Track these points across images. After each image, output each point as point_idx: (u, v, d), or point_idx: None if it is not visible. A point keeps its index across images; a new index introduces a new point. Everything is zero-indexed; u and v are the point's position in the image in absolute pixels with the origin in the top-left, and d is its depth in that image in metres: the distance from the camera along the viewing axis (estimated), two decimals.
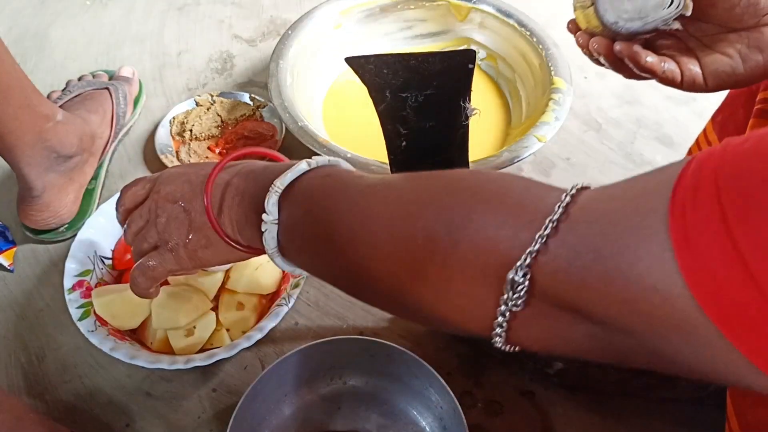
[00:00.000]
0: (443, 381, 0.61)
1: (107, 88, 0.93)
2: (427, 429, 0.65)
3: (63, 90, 0.93)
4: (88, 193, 0.87)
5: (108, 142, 0.90)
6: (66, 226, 0.83)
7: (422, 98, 0.47)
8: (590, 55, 0.54)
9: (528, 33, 0.93)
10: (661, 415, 0.68)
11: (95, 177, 0.88)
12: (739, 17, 0.49)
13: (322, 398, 0.68)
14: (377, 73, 0.47)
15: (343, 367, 0.67)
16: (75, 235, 0.76)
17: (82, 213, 0.85)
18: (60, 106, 0.88)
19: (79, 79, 0.96)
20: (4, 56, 0.72)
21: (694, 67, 0.52)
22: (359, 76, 0.47)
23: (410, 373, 0.64)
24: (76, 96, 0.91)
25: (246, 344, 0.65)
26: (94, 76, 0.97)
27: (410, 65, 0.47)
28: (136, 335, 0.70)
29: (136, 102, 0.98)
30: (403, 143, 0.48)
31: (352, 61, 0.47)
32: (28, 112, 0.75)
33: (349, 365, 0.67)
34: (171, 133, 0.94)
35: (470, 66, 0.47)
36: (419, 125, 0.48)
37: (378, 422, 0.66)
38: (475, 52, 0.48)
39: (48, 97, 0.92)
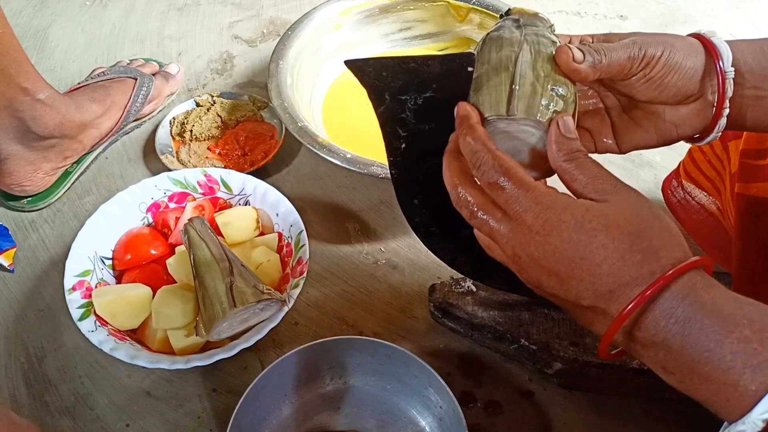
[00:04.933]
0: (443, 381, 0.61)
1: (135, 80, 0.93)
2: (427, 429, 0.65)
3: (111, 66, 0.97)
4: (64, 175, 0.88)
5: (107, 135, 0.91)
6: (28, 199, 0.86)
7: (421, 101, 0.47)
8: None
9: None
10: (661, 415, 0.68)
11: (78, 162, 0.89)
12: (661, 91, 0.47)
13: (321, 398, 0.68)
14: (376, 76, 0.47)
15: (343, 367, 0.68)
16: (36, 210, 0.83)
17: (49, 191, 0.87)
18: (79, 87, 0.91)
19: (130, 62, 0.99)
20: None
21: (607, 141, 0.51)
22: (358, 79, 0.47)
23: (410, 373, 0.64)
24: (100, 80, 0.92)
25: (245, 344, 0.65)
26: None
27: (409, 68, 0.47)
28: (137, 335, 0.71)
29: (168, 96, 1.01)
30: (403, 145, 0.48)
31: (351, 64, 0.47)
32: (0, 79, 0.75)
33: (349, 365, 0.67)
34: (171, 133, 0.95)
35: (469, 69, 0.47)
36: (419, 128, 0.48)
37: (378, 422, 0.66)
38: (474, 55, 0.48)
39: (92, 72, 0.95)
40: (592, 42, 0.49)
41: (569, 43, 0.50)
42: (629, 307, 0.36)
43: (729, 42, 0.47)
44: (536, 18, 0.49)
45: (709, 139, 0.50)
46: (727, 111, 0.47)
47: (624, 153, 0.52)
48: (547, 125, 0.44)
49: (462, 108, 0.45)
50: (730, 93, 0.46)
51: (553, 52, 0.46)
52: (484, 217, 0.42)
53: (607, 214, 0.38)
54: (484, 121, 0.45)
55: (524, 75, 0.45)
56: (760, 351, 0.33)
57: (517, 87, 0.44)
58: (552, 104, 0.44)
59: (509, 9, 0.51)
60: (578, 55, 0.45)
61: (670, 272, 0.36)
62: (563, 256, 0.38)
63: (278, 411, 0.66)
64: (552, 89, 0.44)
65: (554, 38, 0.48)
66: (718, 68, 0.46)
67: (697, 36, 0.48)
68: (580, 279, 0.38)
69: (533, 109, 0.44)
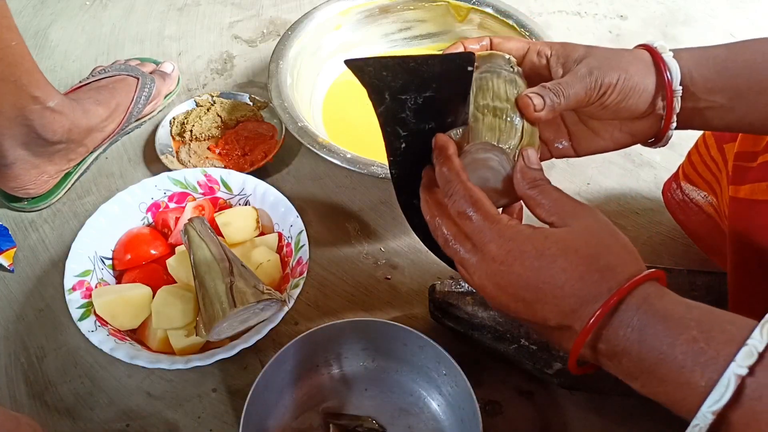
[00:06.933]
0: (450, 357, 0.62)
1: (138, 79, 0.93)
2: (435, 405, 0.67)
3: (110, 65, 0.96)
4: (65, 175, 0.88)
5: (109, 136, 0.91)
6: (29, 200, 0.86)
7: (421, 100, 0.47)
8: None
9: (527, 33, 0.93)
10: (660, 415, 0.68)
11: (79, 162, 0.89)
12: (616, 114, 0.50)
13: (328, 381, 0.69)
14: (376, 75, 0.47)
15: (339, 352, 0.69)
16: (36, 210, 0.84)
17: (49, 192, 0.87)
18: (80, 85, 0.90)
19: (125, 62, 0.99)
20: (2, 33, 0.72)
21: (562, 145, 0.54)
22: (358, 79, 0.47)
23: (413, 350, 0.65)
24: (103, 78, 0.92)
25: (245, 344, 0.65)
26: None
27: (409, 68, 0.47)
28: (136, 335, 0.71)
29: (167, 96, 1.00)
30: (403, 145, 0.48)
31: (351, 64, 0.47)
32: (11, 87, 0.75)
33: (348, 349, 0.68)
34: (171, 133, 0.95)
35: (469, 69, 0.47)
36: (419, 127, 0.48)
37: (381, 402, 0.67)
38: (474, 54, 0.48)
39: (93, 70, 0.95)
40: (550, 54, 0.51)
41: (527, 54, 0.52)
42: (590, 321, 0.39)
43: (675, 55, 0.49)
44: (489, 58, 0.52)
45: (660, 145, 0.53)
46: (674, 125, 0.50)
47: (580, 156, 0.55)
48: (501, 148, 0.47)
49: (440, 139, 0.48)
50: (677, 109, 0.49)
51: (494, 85, 0.49)
52: (456, 247, 0.45)
53: (565, 239, 0.41)
54: (461, 152, 0.48)
55: (467, 111, 0.49)
56: (706, 349, 0.35)
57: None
58: (497, 129, 0.48)
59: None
60: (539, 103, 0.47)
61: (625, 286, 0.39)
62: (527, 282, 0.41)
63: (283, 401, 0.66)
64: (497, 114, 0.48)
65: (507, 69, 0.51)
66: (668, 88, 0.48)
67: (649, 49, 0.50)
68: (545, 302, 0.41)
69: (478, 136, 0.48)
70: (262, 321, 0.67)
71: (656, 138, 0.52)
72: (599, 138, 0.53)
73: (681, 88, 0.48)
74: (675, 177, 0.78)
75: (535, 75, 0.52)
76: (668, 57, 0.49)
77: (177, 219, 0.77)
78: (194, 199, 0.81)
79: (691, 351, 0.36)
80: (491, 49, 0.53)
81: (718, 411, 0.34)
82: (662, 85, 0.48)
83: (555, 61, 0.51)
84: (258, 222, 0.77)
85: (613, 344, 0.39)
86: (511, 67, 0.51)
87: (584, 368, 0.43)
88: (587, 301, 0.39)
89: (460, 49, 0.53)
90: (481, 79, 0.50)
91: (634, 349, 0.38)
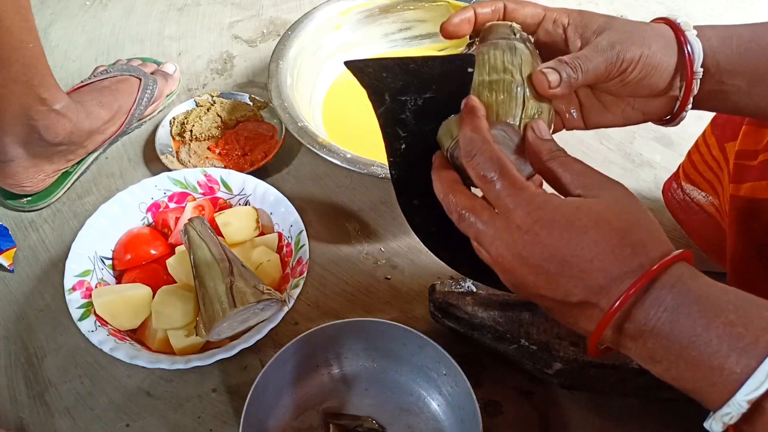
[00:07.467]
0: (450, 357, 0.62)
1: (140, 81, 0.93)
2: (435, 405, 0.67)
3: (111, 64, 0.97)
4: (64, 175, 0.88)
5: (109, 138, 0.91)
6: (28, 199, 0.86)
7: (422, 102, 0.47)
8: None
9: None
10: (660, 415, 0.68)
11: (79, 162, 0.89)
12: (635, 92, 0.49)
13: (328, 381, 0.69)
14: (376, 76, 0.47)
15: (339, 352, 0.69)
16: (36, 210, 0.85)
17: (49, 191, 0.87)
18: (82, 85, 0.90)
19: (128, 61, 0.99)
20: (19, 33, 0.72)
21: (573, 115, 0.53)
22: (358, 80, 0.47)
23: (413, 350, 0.66)
24: (105, 78, 0.92)
25: (245, 344, 0.65)
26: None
27: (409, 69, 0.47)
28: (137, 335, 0.71)
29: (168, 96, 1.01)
30: (403, 146, 0.48)
31: (351, 65, 0.47)
32: (22, 87, 0.75)
33: (348, 349, 0.69)
34: (171, 133, 0.95)
35: (470, 70, 0.47)
36: (419, 128, 0.48)
37: (381, 402, 0.67)
38: (474, 56, 0.48)
39: (95, 69, 0.95)
40: (567, 24, 0.49)
41: (543, 22, 0.50)
42: (621, 299, 0.37)
43: (699, 32, 0.47)
44: (490, 30, 0.50)
45: (672, 125, 0.51)
46: (690, 106, 0.49)
47: (588, 129, 0.53)
48: (503, 122, 0.46)
49: (471, 100, 0.46)
50: (695, 91, 0.48)
51: (490, 57, 0.48)
52: (472, 219, 0.42)
53: (597, 210, 0.39)
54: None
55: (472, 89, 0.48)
56: (744, 334, 0.34)
57: None
58: (494, 103, 0.46)
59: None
60: (554, 79, 0.45)
61: (659, 264, 0.37)
62: (553, 254, 0.39)
63: (283, 402, 0.66)
64: (493, 88, 0.47)
65: (507, 38, 0.49)
66: (689, 69, 0.47)
67: (672, 24, 0.48)
68: (571, 276, 0.38)
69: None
70: (262, 321, 0.67)
71: (670, 118, 0.51)
72: (609, 113, 0.51)
73: (702, 70, 0.47)
74: (675, 177, 0.78)
75: (551, 43, 0.50)
76: (692, 36, 0.47)
77: (177, 219, 0.78)
78: (194, 199, 0.81)
79: (727, 335, 0.34)
80: (504, 15, 0.51)
81: (754, 400, 0.33)
82: (682, 65, 0.47)
83: (573, 31, 0.49)
84: (258, 222, 0.77)
85: (641, 324, 0.37)
86: (514, 33, 0.49)
87: (602, 351, 0.41)
88: (617, 277, 0.37)
89: (470, 14, 0.51)
90: (477, 55, 0.48)
91: (665, 330, 0.36)
